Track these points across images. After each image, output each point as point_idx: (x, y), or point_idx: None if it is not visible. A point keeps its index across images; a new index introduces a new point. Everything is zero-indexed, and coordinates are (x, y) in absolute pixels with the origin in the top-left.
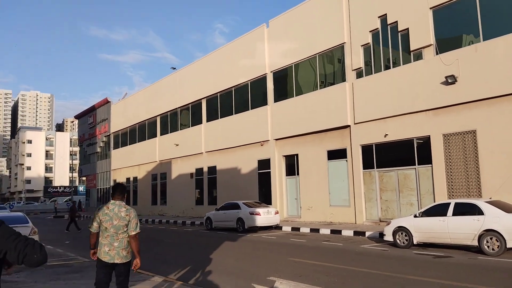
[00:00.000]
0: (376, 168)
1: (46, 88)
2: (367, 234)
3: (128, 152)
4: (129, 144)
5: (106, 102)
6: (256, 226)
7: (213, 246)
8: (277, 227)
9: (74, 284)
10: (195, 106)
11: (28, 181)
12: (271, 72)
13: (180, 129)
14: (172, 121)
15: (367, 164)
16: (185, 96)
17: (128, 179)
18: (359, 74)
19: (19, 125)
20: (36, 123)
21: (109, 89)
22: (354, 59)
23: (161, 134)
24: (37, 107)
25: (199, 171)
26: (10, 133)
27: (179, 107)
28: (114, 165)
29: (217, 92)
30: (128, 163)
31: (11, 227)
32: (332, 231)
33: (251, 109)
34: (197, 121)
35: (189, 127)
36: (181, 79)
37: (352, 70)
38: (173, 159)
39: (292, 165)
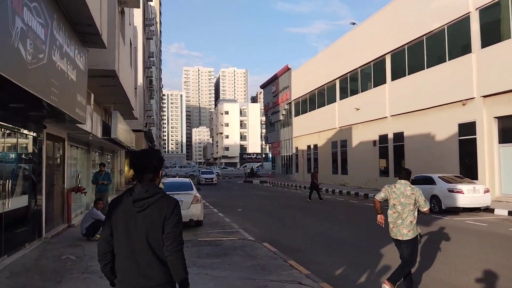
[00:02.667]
0: None
1: (241, 65)
2: None
3: (308, 119)
4: (309, 111)
5: (287, 69)
6: (457, 207)
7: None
8: (487, 210)
9: (205, 276)
10: (378, 64)
11: (227, 148)
12: (476, 9)
13: (361, 92)
14: (352, 83)
15: None
16: (366, 53)
17: (308, 146)
18: None
19: (220, 98)
20: (235, 96)
21: (297, 61)
22: None
23: (340, 99)
24: (235, 82)
25: (383, 138)
26: (214, 106)
27: (359, 67)
28: (296, 133)
29: (404, 44)
30: (308, 131)
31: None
32: None
33: (448, 60)
34: (380, 81)
35: (370, 88)
36: (361, 35)
37: None
38: (353, 125)
39: (508, 130)
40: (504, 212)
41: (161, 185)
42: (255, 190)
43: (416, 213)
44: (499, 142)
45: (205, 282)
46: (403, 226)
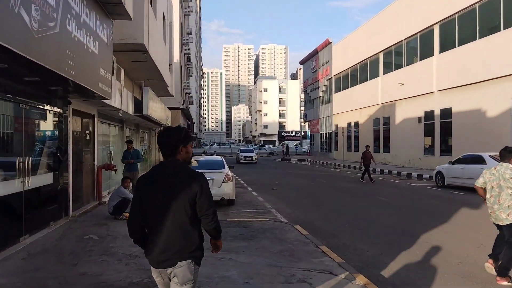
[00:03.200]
0: None
1: (281, 41)
2: None
3: (349, 95)
4: (350, 87)
5: (327, 43)
6: None
7: (443, 214)
8: None
9: (229, 261)
10: (425, 36)
11: (265, 126)
12: None
13: (406, 65)
14: (396, 57)
15: None
16: (412, 24)
17: (349, 124)
18: None
19: (259, 75)
20: (274, 73)
21: (339, 37)
22: None
23: (383, 73)
24: (274, 59)
25: (429, 114)
26: (253, 84)
27: (404, 39)
28: (336, 110)
29: (454, 13)
30: (349, 107)
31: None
32: None
33: (504, 29)
34: (427, 53)
35: (416, 62)
36: (407, 5)
37: None
38: (397, 101)
39: None
40: None
41: (194, 163)
42: (292, 169)
43: None
44: None
45: (228, 268)
46: (501, 211)
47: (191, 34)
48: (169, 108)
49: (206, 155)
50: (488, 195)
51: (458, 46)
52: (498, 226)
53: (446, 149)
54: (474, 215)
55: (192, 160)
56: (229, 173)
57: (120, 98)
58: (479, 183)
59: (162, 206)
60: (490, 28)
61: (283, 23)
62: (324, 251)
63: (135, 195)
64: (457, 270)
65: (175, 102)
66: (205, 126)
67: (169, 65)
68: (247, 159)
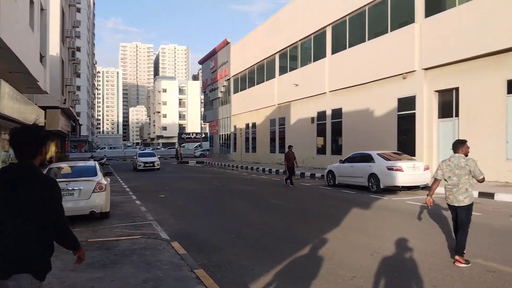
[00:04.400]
0: None
1: (183, 42)
2: None
3: (247, 96)
4: (248, 88)
5: (226, 43)
6: (397, 185)
7: (335, 216)
8: (426, 188)
9: None
10: (318, 37)
11: (165, 128)
12: None
13: (300, 67)
14: (291, 58)
15: None
16: (306, 26)
17: (247, 125)
18: None
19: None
20: (175, 74)
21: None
22: None
23: (279, 74)
24: (175, 60)
25: (321, 114)
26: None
27: (299, 40)
28: (234, 111)
29: (345, 15)
30: (247, 108)
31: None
32: None
33: (391, 31)
34: (320, 55)
35: (310, 63)
36: (302, 6)
37: None
38: (292, 102)
39: (448, 104)
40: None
41: (67, 169)
42: (188, 172)
43: (471, 181)
44: (439, 117)
45: None
46: (459, 193)
47: (79, 27)
48: (45, 107)
49: (94, 160)
50: (447, 183)
51: (349, 47)
52: (453, 208)
53: (337, 149)
54: (365, 217)
55: (64, 165)
56: (102, 181)
57: None
58: (438, 175)
59: (3, 212)
60: (378, 31)
61: (184, 24)
62: (199, 277)
63: None
64: (351, 286)
65: (54, 101)
66: (99, 128)
67: (42, 57)
68: (148, 165)
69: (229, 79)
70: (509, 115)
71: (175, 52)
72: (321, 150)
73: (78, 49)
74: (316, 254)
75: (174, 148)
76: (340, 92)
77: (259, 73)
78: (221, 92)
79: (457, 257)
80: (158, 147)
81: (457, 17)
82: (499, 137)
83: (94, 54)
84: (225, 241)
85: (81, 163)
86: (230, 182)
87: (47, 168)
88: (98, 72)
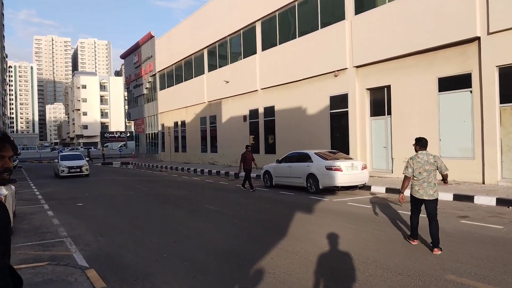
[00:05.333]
0: None
1: (104, 37)
2: None
3: (175, 93)
4: (176, 84)
5: (150, 37)
6: (336, 186)
7: (278, 224)
8: (363, 187)
9: None
10: (248, 32)
11: (85, 127)
12: None
13: (230, 63)
14: (221, 54)
15: (507, 96)
16: (235, 20)
17: (175, 123)
18: None
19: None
20: (96, 70)
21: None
22: None
23: (209, 70)
24: (95, 55)
25: (254, 112)
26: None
27: (228, 35)
28: (161, 108)
29: (275, 10)
30: (175, 106)
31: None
32: (457, 197)
33: (321, 28)
34: (250, 51)
35: (241, 59)
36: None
37: None
38: (223, 99)
39: (379, 102)
40: (382, 189)
41: None
42: (112, 174)
43: (436, 176)
44: (371, 115)
45: None
46: (430, 188)
47: None
48: None
49: None
50: (417, 178)
51: (280, 44)
52: (420, 201)
53: (270, 147)
54: (310, 223)
55: None
56: (1, 191)
57: None
58: (409, 173)
59: None
60: (309, 28)
61: (105, 18)
62: None
63: None
64: None
65: None
66: (13, 127)
67: None
68: (73, 170)
69: (154, 74)
70: (441, 112)
71: (95, 47)
72: (254, 150)
73: None
74: (266, 277)
75: (98, 148)
76: (272, 90)
77: (187, 69)
78: (146, 88)
79: (436, 250)
80: (79, 147)
81: (387, 14)
82: (431, 135)
83: (4, 47)
84: (155, 263)
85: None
86: (159, 186)
87: None
88: (10, 66)
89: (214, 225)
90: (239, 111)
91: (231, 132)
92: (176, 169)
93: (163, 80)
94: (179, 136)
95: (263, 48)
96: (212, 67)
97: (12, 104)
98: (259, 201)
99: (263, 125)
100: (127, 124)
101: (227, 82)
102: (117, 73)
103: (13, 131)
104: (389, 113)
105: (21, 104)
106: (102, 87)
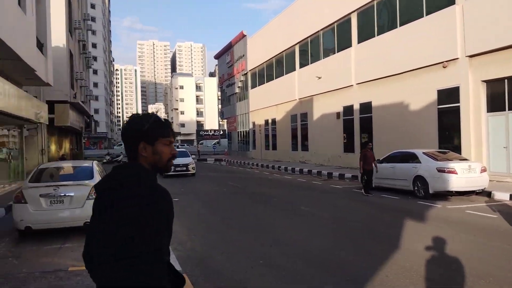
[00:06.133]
0: None
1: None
2: None
3: (266, 91)
4: (267, 82)
5: (242, 36)
6: (449, 190)
7: (385, 232)
8: (481, 193)
9: None
10: (342, 25)
11: (182, 125)
12: None
13: (323, 58)
14: (313, 49)
15: None
16: (328, 14)
17: (266, 121)
18: None
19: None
20: (192, 71)
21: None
22: None
23: (300, 67)
24: (192, 57)
25: (348, 109)
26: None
27: (321, 29)
28: (252, 106)
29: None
30: (265, 103)
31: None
32: None
33: (427, 15)
34: (345, 44)
35: (334, 53)
36: None
37: None
38: (314, 96)
39: (498, 95)
40: (505, 196)
41: (58, 171)
42: (206, 171)
43: None
44: (488, 111)
45: None
46: None
47: (90, 20)
48: (53, 101)
49: (111, 157)
50: None
51: (378, 35)
52: None
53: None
54: (427, 234)
55: (55, 166)
56: None
57: None
58: None
59: (99, 233)
60: (412, 15)
61: (199, 23)
62: None
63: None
64: None
65: (62, 95)
66: (119, 126)
67: (41, 44)
68: (179, 169)
69: (246, 73)
70: None
71: (191, 50)
72: (348, 148)
73: (94, 45)
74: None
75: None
76: (369, 85)
77: (278, 66)
78: (238, 87)
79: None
80: (176, 144)
81: None
82: None
83: (111, 51)
84: (250, 270)
85: (76, 163)
86: (251, 184)
87: (35, 169)
88: (117, 69)
89: (310, 229)
90: (331, 108)
91: (323, 130)
92: (267, 167)
93: (254, 78)
94: (269, 134)
95: (359, 41)
96: (303, 63)
97: (119, 104)
98: (359, 204)
99: (359, 123)
100: (220, 122)
101: (319, 78)
102: (211, 74)
103: (119, 129)
104: (511, 108)
105: (126, 104)
106: (198, 88)
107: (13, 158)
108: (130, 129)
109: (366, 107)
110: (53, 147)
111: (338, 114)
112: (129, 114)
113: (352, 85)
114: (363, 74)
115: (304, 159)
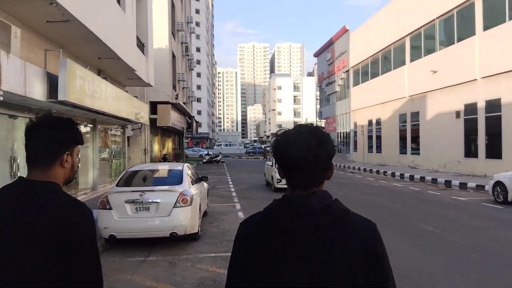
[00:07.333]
0: None
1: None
2: None
3: (370, 89)
4: (371, 79)
5: (344, 31)
6: None
7: None
8: None
9: None
10: (465, 10)
11: (280, 125)
12: None
13: (439, 49)
14: (426, 40)
15: None
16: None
17: (369, 121)
18: None
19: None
20: (290, 72)
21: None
22: None
23: (411, 61)
24: (290, 58)
25: (471, 107)
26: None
27: (436, 18)
28: (354, 105)
29: None
30: (369, 102)
31: None
32: None
33: None
34: (466, 32)
35: (452, 44)
36: None
37: None
38: (428, 93)
39: None
40: None
41: (144, 175)
42: None
43: None
44: None
45: None
46: None
47: (193, 23)
48: (156, 102)
49: (210, 157)
50: None
51: (509, 20)
52: None
53: (494, 150)
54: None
55: (143, 169)
56: (188, 191)
57: None
58: None
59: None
60: None
61: (298, 23)
62: None
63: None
64: None
65: (165, 96)
66: (220, 126)
67: (142, 45)
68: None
69: (348, 70)
70: None
71: (290, 50)
72: (471, 152)
73: (198, 49)
74: None
75: None
76: (498, 78)
77: (384, 61)
78: (339, 85)
79: None
80: (253, 144)
81: None
82: None
83: (213, 54)
84: None
85: (165, 166)
86: (354, 191)
87: (125, 171)
88: (219, 73)
89: (443, 259)
90: (449, 106)
91: (438, 131)
92: (370, 171)
93: (356, 75)
94: (373, 135)
95: (485, 28)
96: (415, 56)
97: (220, 105)
98: (496, 223)
99: (484, 123)
100: (318, 122)
101: (435, 72)
102: (309, 74)
103: (221, 129)
104: None
105: (227, 105)
106: (295, 88)
107: (114, 157)
108: (56, 133)
109: (494, 105)
110: (156, 147)
111: (457, 113)
112: (230, 115)
113: (476, 79)
114: (490, 66)
115: (414, 164)
